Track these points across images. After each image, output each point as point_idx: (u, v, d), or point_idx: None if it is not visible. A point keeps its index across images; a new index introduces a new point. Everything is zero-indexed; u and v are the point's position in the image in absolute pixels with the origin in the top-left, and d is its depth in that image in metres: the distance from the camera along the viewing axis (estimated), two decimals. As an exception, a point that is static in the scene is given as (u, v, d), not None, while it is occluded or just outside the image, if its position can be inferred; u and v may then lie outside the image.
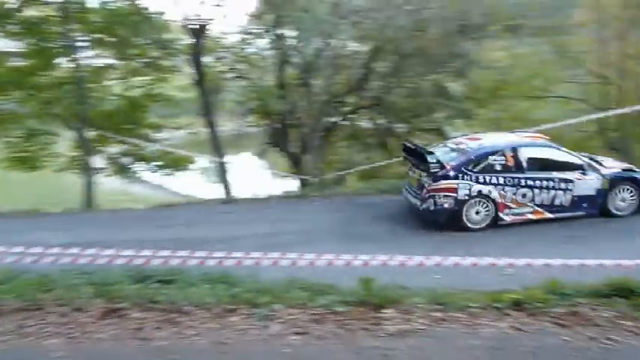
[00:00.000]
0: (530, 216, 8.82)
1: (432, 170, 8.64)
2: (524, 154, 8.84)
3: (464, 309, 4.92)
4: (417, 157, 9.23)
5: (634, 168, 9.49)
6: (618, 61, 15.33)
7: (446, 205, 8.61)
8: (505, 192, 8.67)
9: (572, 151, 9.27)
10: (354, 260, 5.49)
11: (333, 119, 17.22)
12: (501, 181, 8.67)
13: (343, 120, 17.60)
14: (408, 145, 9.96)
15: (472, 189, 8.59)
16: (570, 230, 8.48)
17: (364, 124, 18.26)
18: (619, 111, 13.86)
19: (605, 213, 8.98)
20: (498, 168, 8.72)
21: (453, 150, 9.23)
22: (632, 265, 5.64)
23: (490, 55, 16.62)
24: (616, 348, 4.49)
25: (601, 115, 14.29)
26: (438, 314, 4.85)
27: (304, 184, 15.29)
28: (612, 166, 9.42)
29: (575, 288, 5.35)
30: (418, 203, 8.99)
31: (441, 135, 16.75)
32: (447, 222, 8.67)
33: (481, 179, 8.65)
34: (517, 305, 5.01)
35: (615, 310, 5.07)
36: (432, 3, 14.86)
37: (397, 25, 14.54)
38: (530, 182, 8.73)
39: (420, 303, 5.07)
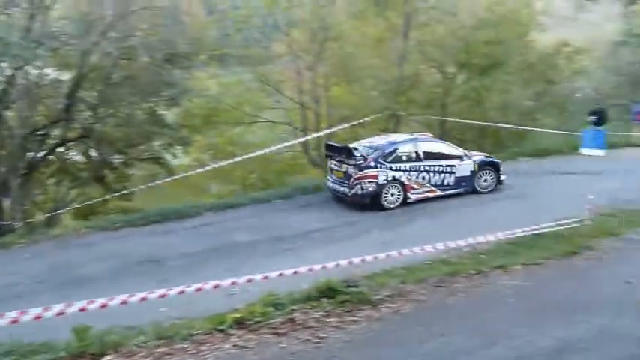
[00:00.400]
0: (429, 194, 11.41)
1: (358, 162, 10.99)
2: (422, 147, 11.54)
3: (188, 338, 4.91)
4: (344, 154, 11.33)
5: (491, 156, 12.48)
6: (311, 89, 17.48)
7: (370, 189, 10.92)
8: (410, 177, 11.21)
9: (451, 144, 12.21)
10: (68, 308, 4.96)
11: (38, 154, 15.40)
12: (407, 168, 11.21)
13: (49, 154, 15.88)
14: (332, 144, 12.30)
15: (388, 175, 11.00)
16: (284, 243, 9.22)
17: (75, 157, 16.84)
18: (317, 134, 15.90)
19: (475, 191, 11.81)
20: (404, 158, 11.25)
21: (369, 147, 11.49)
22: (332, 265, 6.38)
23: (201, 84, 17.17)
24: (326, 343, 5.07)
25: (304, 138, 16.14)
26: (163, 349, 4.74)
27: (6, 230, 13.22)
28: (477, 154, 12.30)
29: (290, 296, 5.86)
30: (347, 190, 11.13)
31: (161, 164, 16.55)
32: (371, 202, 10.95)
33: (394, 167, 11.09)
34: (239, 324, 5.23)
35: (323, 311, 5.73)
36: (138, 31, 14.63)
37: (102, 52, 13.88)
38: (427, 168, 11.36)
39: (144, 341, 4.88)
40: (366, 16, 18.79)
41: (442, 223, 10.04)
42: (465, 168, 11.79)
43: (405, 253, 6.85)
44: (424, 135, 12.96)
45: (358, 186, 10.92)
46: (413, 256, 7.31)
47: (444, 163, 11.59)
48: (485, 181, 12.03)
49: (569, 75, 23.80)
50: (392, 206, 11.03)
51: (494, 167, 12.16)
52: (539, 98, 21.81)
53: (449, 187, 11.65)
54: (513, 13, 17.93)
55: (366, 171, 10.94)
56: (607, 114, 20.59)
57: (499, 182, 12.16)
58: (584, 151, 16.83)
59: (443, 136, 18.69)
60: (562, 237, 8.38)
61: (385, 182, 10.97)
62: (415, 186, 11.29)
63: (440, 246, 7.28)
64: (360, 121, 17.08)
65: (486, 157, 12.45)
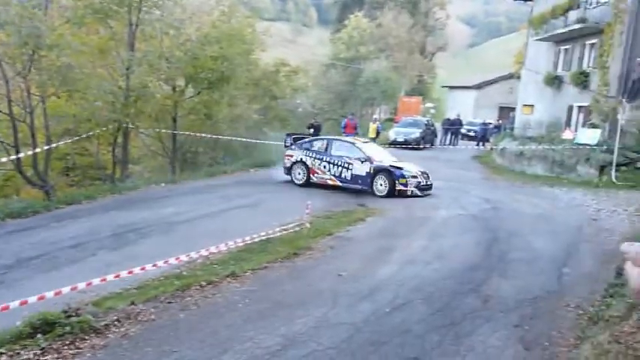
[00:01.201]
0: (330, 182, 14.46)
1: (287, 144, 15.38)
2: (333, 144, 14.82)
3: None
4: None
5: (399, 164, 14.08)
6: (24, 100, 15.37)
7: (287, 164, 15.12)
8: (314, 162, 14.63)
9: (362, 148, 14.50)
10: None
11: None
12: (314, 155, 14.69)
13: None
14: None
15: (298, 156, 14.88)
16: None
17: None
18: (32, 151, 14.06)
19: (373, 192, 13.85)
20: (315, 148, 14.81)
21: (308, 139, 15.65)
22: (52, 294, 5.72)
23: None
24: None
25: (19, 155, 14.13)
26: None
27: None
28: (386, 160, 14.38)
29: (-1, 337, 5.02)
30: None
31: None
32: (287, 174, 15.20)
33: (304, 152, 14.83)
34: None
35: (38, 349, 5.05)
36: None
37: None
38: (329, 159, 14.52)
39: None
40: (87, 24, 17.48)
41: (177, 237, 9.88)
42: (362, 168, 13.99)
43: (136, 272, 6.54)
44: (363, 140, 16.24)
45: (284, 160, 15.30)
46: (144, 275, 7.05)
47: (345, 159, 14.21)
48: (380, 184, 13.75)
49: (291, 92, 26.18)
50: (298, 183, 14.76)
51: (390, 174, 13.73)
52: (266, 112, 23.42)
53: (346, 180, 14.20)
54: (237, 31, 18.82)
55: (288, 151, 15.18)
56: (321, 127, 23.29)
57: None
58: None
59: (175, 149, 18.59)
60: (286, 240, 9.10)
61: (295, 161, 14.86)
62: (318, 171, 14.59)
63: (172, 260, 7.18)
64: (84, 135, 15.81)
65: (392, 165, 14.06)
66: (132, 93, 16.40)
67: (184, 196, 13.63)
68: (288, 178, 15.14)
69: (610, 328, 5.08)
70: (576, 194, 14.13)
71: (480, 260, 8.44)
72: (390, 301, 6.60)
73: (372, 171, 13.98)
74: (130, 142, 18.16)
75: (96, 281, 6.02)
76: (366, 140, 17.26)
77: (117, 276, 6.29)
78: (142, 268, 6.71)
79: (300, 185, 14.74)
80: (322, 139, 15.69)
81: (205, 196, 13.52)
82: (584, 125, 19.59)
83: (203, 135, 18.16)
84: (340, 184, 14.35)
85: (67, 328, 5.34)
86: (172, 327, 5.71)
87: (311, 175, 14.71)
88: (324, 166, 14.57)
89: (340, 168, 14.36)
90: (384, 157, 14.92)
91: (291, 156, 15.03)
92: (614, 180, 14.48)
